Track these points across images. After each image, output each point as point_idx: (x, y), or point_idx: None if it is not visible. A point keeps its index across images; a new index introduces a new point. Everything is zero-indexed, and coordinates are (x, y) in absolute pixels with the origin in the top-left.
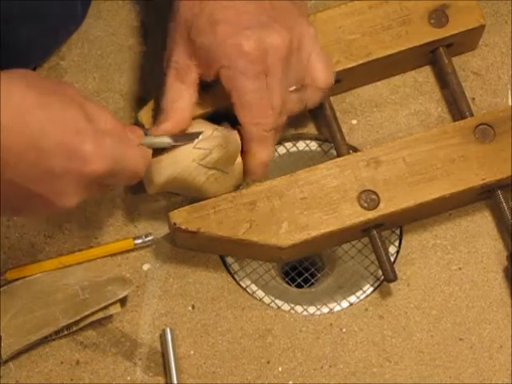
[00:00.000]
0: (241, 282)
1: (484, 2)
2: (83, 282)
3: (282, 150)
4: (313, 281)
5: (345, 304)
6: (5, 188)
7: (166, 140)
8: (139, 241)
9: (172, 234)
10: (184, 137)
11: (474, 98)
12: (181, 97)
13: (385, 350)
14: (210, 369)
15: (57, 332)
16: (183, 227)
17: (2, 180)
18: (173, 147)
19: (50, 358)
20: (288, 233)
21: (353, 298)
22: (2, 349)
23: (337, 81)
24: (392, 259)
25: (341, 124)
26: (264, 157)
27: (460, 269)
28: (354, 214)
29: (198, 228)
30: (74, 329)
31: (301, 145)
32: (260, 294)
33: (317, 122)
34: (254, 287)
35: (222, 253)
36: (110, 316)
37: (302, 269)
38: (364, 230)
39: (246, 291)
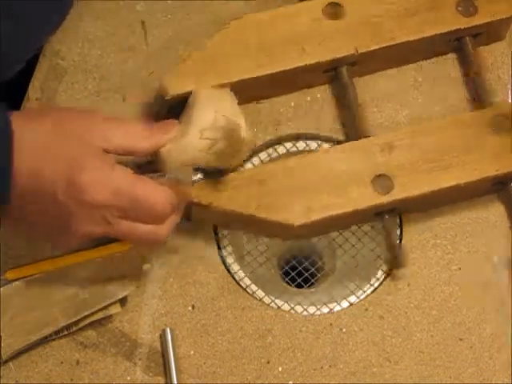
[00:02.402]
0: (241, 282)
1: None
2: (83, 282)
3: (282, 149)
4: (313, 281)
5: (345, 304)
6: (24, 211)
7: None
8: None
9: (187, 208)
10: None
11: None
12: None
13: (385, 349)
14: (210, 369)
15: (57, 332)
16: (196, 200)
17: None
18: (180, 136)
19: (50, 358)
20: (299, 212)
21: (353, 298)
22: (2, 349)
23: (353, 63)
24: None
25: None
26: None
27: (460, 269)
28: (368, 198)
29: (210, 202)
30: (74, 329)
31: (301, 145)
32: (260, 294)
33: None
34: (254, 287)
35: (236, 229)
36: (110, 316)
37: (302, 269)
38: (377, 214)
39: (246, 291)
